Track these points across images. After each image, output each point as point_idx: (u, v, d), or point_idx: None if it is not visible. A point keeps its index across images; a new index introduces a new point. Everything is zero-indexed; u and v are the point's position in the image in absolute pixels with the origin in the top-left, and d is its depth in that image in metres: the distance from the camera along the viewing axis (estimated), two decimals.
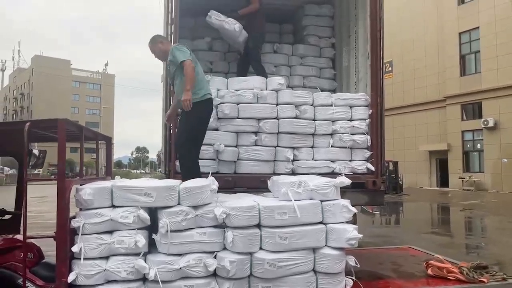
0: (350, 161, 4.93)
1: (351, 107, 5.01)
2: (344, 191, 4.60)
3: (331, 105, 4.95)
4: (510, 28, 21.64)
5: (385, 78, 20.02)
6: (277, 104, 4.84)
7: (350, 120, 4.98)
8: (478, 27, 23.32)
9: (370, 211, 16.30)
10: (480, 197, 19.59)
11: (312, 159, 4.88)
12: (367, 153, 4.94)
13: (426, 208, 16.51)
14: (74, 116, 70.95)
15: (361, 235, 2.97)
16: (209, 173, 3.65)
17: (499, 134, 22.32)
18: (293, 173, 4.76)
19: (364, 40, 5.24)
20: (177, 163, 4.52)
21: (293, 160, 4.84)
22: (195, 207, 2.92)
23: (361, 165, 4.89)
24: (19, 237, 3.19)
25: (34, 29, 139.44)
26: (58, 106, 66.39)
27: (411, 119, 28.37)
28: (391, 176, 23.17)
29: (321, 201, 3.07)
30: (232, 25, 5.28)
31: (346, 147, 4.89)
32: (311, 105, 4.94)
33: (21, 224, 3.68)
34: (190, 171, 3.76)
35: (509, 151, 21.76)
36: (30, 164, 3.87)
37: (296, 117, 4.82)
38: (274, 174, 4.64)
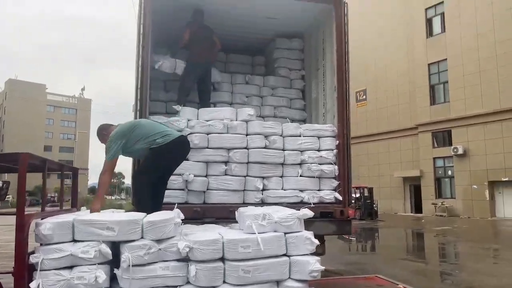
0: (318, 190, 5.03)
1: (319, 137, 5.16)
2: (312, 221, 4.68)
3: (300, 136, 5.08)
4: (476, 60, 22.71)
5: (359, 106, 20.78)
6: (247, 134, 4.93)
7: (318, 150, 5.11)
8: (446, 59, 24.37)
9: (347, 237, 16.43)
10: (452, 223, 19.98)
11: (282, 189, 4.96)
12: (335, 183, 5.06)
13: (400, 234, 16.70)
14: (48, 140, 69.46)
15: (323, 267, 3.01)
16: (175, 204, 3.65)
17: (468, 161, 23.03)
18: (263, 202, 4.81)
19: (331, 73, 5.44)
20: None
21: (263, 190, 4.90)
22: (159, 241, 2.91)
23: (329, 194, 4.99)
24: None
25: (10, 52, 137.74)
26: (31, 131, 64.89)
27: (385, 146, 29.01)
28: (366, 202, 23.46)
29: (285, 233, 3.11)
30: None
31: (315, 177, 4.99)
32: (280, 135, 5.06)
33: None
34: (140, 206, 3.64)
35: (479, 178, 22.42)
36: None
37: (265, 147, 4.92)
38: (244, 204, 4.68)
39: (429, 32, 25.60)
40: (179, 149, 3.83)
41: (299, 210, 4.59)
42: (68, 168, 3.77)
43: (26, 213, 2.63)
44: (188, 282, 2.89)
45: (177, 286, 2.86)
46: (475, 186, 22.51)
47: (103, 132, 3.80)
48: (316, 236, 4.73)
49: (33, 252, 2.74)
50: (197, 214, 4.50)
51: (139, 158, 4.07)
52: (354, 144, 27.24)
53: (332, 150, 5.10)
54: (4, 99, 66.64)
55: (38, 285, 2.62)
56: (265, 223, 3.07)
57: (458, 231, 16.97)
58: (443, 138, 24.90)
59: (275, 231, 3.10)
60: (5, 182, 3.84)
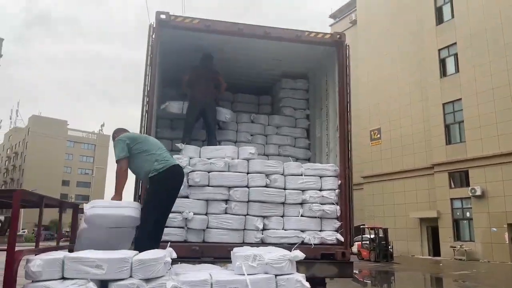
0: (320, 231, 4.96)
1: (321, 177, 5.14)
2: (313, 262, 4.61)
3: (301, 175, 5.07)
4: (491, 100, 22.57)
5: (373, 144, 20.67)
6: (248, 173, 4.95)
7: (320, 190, 5.08)
8: (460, 99, 24.28)
9: (361, 279, 15.90)
10: (471, 267, 19.16)
11: (282, 229, 4.91)
12: (337, 224, 4.98)
13: (417, 278, 16.04)
14: (66, 175, 70.54)
15: None
16: (174, 242, 3.64)
17: (487, 203, 22.36)
18: (263, 242, 4.75)
19: (334, 114, 5.49)
20: None
21: (263, 229, 4.85)
22: (147, 280, 2.88)
23: (331, 235, 4.91)
24: None
25: (35, 89, 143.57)
26: (51, 165, 66.20)
27: (401, 185, 28.49)
28: (381, 243, 22.79)
29: (276, 275, 3.05)
30: None
31: (316, 217, 4.93)
32: (282, 174, 5.06)
33: None
34: (142, 242, 3.63)
35: (498, 220, 21.67)
36: None
37: (266, 186, 4.92)
38: (244, 243, 4.64)
39: (443, 72, 25.70)
40: (174, 177, 3.82)
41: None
42: (68, 205, 3.83)
43: (16, 249, 2.66)
44: None
45: None
46: (494, 229, 21.71)
47: (115, 134, 4.03)
48: (316, 279, 4.68)
49: None
50: (196, 253, 4.48)
51: (139, 178, 4.11)
52: (368, 183, 27.05)
53: (334, 190, 5.07)
54: (27, 134, 68.59)
55: None
56: (256, 264, 3.03)
57: (477, 276, 16.24)
58: (460, 178, 24.36)
59: (266, 273, 3.05)
60: (6, 217, 3.90)
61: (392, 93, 29.63)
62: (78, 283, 2.77)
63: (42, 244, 2.74)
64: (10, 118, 68.57)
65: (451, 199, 24.54)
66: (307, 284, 3.03)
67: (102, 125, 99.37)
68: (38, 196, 3.15)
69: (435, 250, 25.74)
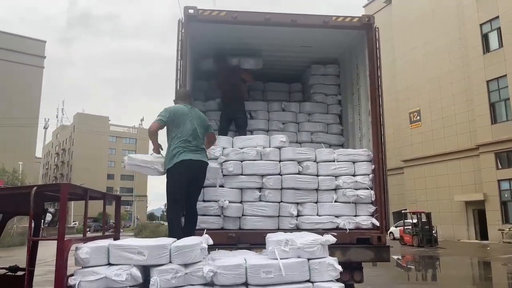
0: (354, 216, 4.97)
1: (354, 162, 5.13)
2: (349, 247, 4.65)
3: (334, 161, 5.08)
4: None
5: (413, 127, 20.22)
6: (280, 161, 5.02)
7: (353, 175, 5.07)
8: (505, 75, 23.06)
9: (404, 265, 15.68)
10: None
11: (317, 215, 4.95)
12: (372, 208, 4.97)
13: (463, 263, 15.58)
14: (110, 169, 73.47)
15: None
16: (203, 229, 3.80)
17: None
18: (298, 228, 4.83)
19: (365, 98, 5.44)
20: (182, 219, 4.71)
21: (297, 216, 4.92)
22: (186, 265, 3.05)
23: (365, 220, 4.91)
24: None
25: (78, 87, 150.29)
26: (95, 160, 69.15)
27: (444, 168, 27.57)
28: (424, 228, 22.27)
29: (308, 259, 3.13)
30: None
31: (350, 202, 4.95)
32: (314, 161, 5.09)
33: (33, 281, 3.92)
34: (169, 227, 4.09)
35: None
36: (46, 222, 4.16)
37: (299, 173, 4.97)
38: (279, 229, 4.73)
39: (486, 48, 24.45)
40: (186, 170, 4.05)
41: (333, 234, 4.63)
42: (111, 196, 4.07)
43: (66, 238, 2.89)
44: None
45: None
46: None
47: (175, 98, 4.56)
48: (353, 263, 4.72)
49: (72, 275, 2.99)
50: (232, 240, 4.62)
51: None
52: (409, 167, 26.45)
53: (368, 175, 5.05)
54: (73, 131, 71.86)
55: None
56: (288, 248, 3.12)
57: None
58: (508, 158, 23.26)
59: (298, 257, 3.14)
60: (57, 210, 4.19)
61: (432, 73, 28.56)
62: (123, 268, 2.98)
63: (91, 235, 2.98)
64: (57, 117, 71.93)
65: (499, 181, 23.50)
66: (339, 267, 3.09)
67: (142, 120, 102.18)
68: (83, 189, 3.38)
69: (482, 233, 24.85)
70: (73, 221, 47.89)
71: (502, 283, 11.08)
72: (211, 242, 3.41)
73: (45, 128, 35.62)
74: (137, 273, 2.96)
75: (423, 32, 29.50)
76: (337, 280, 4.66)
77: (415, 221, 22.76)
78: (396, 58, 32.59)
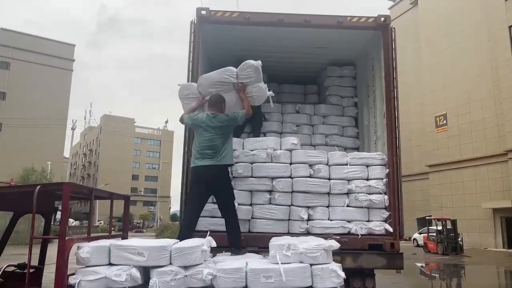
0: (367, 221, 4.83)
1: (367, 166, 4.99)
2: (360, 253, 4.53)
3: (346, 164, 4.96)
4: None
5: (439, 131, 19.71)
6: (291, 163, 4.94)
7: (367, 179, 4.94)
8: None
9: (428, 273, 15.24)
10: None
11: (328, 219, 4.84)
12: (385, 214, 4.82)
13: (489, 272, 15.00)
14: (135, 170, 74.79)
15: None
16: (207, 231, 3.76)
17: None
18: (308, 232, 4.74)
19: (380, 100, 5.29)
20: None
21: (308, 220, 4.82)
22: (186, 267, 3.02)
23: (378, 226, 4.77)
24: None
25: (106, 89, 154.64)
26: (121, 161, 70.55)
27: (471, 174, 26.72)
28: (450, 235, 21.61)
29: (311, 264, 3.04)
30: None
31: (363, 207, 4.81)
32: (326, 164, 4.98)
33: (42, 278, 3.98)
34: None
35: None
36: (57, 220, 4.21)
37: (310, 176, 4.88)
38: (289, 233, 4.66)
39: None
40: (197, 176, 4.30)
41: (344, 240, 4.52)
42: (119, 196, 4.08)
43: (67, 238, 2.90)
44: None
45: None
46: None
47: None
48: (365, 270, 4.59)
49: (73, 274, 3.00)
50: (241, 243, 4.56)
51: None
52: (434, 172, 25.79)
53: (382, 179, 4.89)
54: (100, 132, 73.57)
55: None
56: (290, 253, 3.04)
57: None
58: None
59: (301, 262, 3.05)
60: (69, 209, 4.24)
61: (459, 76, 27.76)
62: (123, 269, 2.98)
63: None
64: (85, 118, 73.90)
65: None
66: (342, 274, 2.99)
67: (166, 122, 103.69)
68: (88, 189, 3.40)
69: (510, 242, 23.91)
70: (98, 221, 48.93)
71: None
72: (214, 244, 3.37)
73: (73, 129, 36.53)
74: (136, 274, 2.94)
75: (450, 34, 28.74)
76: (349, 287, 4.59)
77: (439, 228, 22.14)
78: (422, 60, 31.87)
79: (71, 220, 45.93)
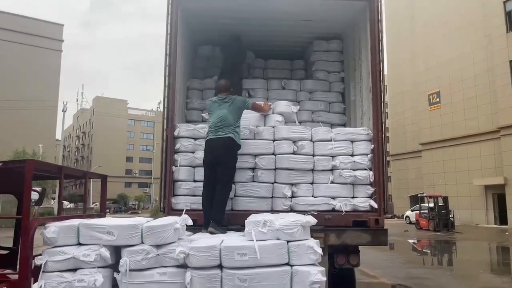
0: (352, 198, 4.74)
1: (352, 141, 4.87)
2: (344, 230, 4.45)
3: (331, 140, 4.83)
4: None
5: (432, 109, 19.78)
6: (274, 140, 4.80)
7: (352, 155, 4.82)
8: None
9: (420, 249, 15.40)
10: None
11: (312, 196, 4.74)
12: (370, 190, 4.73)
13: (480, 248, 15.17)
14: (129, 152, 74.54)
15: (324, 278, 2.79)
16: (183, 210, 3.64)
17: None
18: (292, 210, 4.65)
19: (366, 74, 5.13)
20: (173, 199, 4.59)
21: (292, 197, 4.72)
22: (158, 246, 2.91)
23: (363, 202, 4.68)
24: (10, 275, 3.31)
25: (99, 70, 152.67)
26: (115, 143, 70.21)
27: (463, 151, 26.83)
28: (441, 212, 21.82)
29: (288, 241, 2.94)
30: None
31: (347, 183, 4.71)
32: (310, 140, 4.85)
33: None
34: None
35: None
36: (33, 201, 4.08)
37: (293, 153, 4.75)
38: (272, 211, 4.56)
39: (510, 27, 23.35)
40: (207, 149, 4.50)
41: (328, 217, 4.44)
42: (94, 175, 3.95)
43: (32, 218, 2.77)
44: None
45: None
46: None
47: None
48: (349, 246, 4.52)
49: (39, 255, 2.89)
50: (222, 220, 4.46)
51: None
52: (427, 150, 25.96)
53: (367, 154, 4.77)
54: (92, 114, 72.89)
55: (41, 286, 2.74)
56: (266, 230, 2.94)
57: None
58: None
59: (278, 239, 2.95)
60: (43, 189, 4.11)
61: (453, 54, 27.55)
62: (92, 249, 2.87)
63: (112, 216, 2.91)
64: (77, 100, 72.96)
65: None
66: (319, 250, 2.90)
67: (159, 103, 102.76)
68: (56, 167, 3.26)
69: (502, 218, 24.23)
70: (93, 203, 48.96)
71: None
72: (190, 222, 3.27)
73: (64, 111, 36.08)
74: (106, 253, 2.84)
75: (444, 11, 28.38)
76: (333, 263, 4.54)
77: (431, 205, 22.32)
78: (415, 38, 31.55)
79: (65, 202, 45.85)
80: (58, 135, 51.17)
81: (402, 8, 35.20)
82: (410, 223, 26.81)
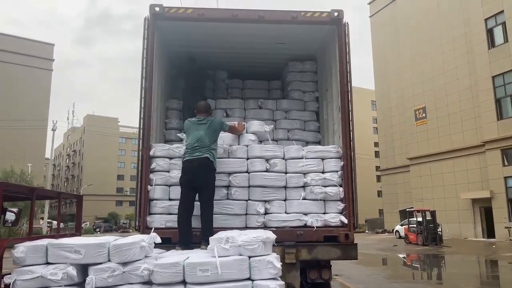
0: (323, 213, 4.89)
1: (323, 159, 5.04)
2: (315, 245, 4.59)
3: (302, 158, 5.01)
4: None
5: (418, 124, 20.19)
6: (247, 158, 4.96)
7: (322, 172, 4.99)
8: (511, 70, 22.61)
9: (409, 263, 15.47)
10: None
11: (285, 212, 4.88)
12: (341, 205, 4.88)
13: (467, 261, 15.30)
14: (120, 170, 74.07)
15: None
16: (152, 228, 3.76)
17: None
18: (265, 226, 4.77)
19: (336, 94, 5.34)
20: (148, 218, 4.70)
21: (266, 214, 4.86)
22: (124, 264, 3.02)
23: (334, 217, 4.83)
24: None
25: (91, 88, 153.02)
26: (106, 161, 69.82)
27: (450, 166, 27.18)
28: (429, 226, 21.98)
29: (249, 257, 3.07)
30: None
31: (318, 200, 4.87)
32: (282, 158, 5.02)
33: None
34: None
35: None
36: (9, 221, 4.16)
37: (266, 171, 4.91)
38: (246, 227, 4.68)
39: (491, 43, 24.01)
40: (185, 170, 4.64)
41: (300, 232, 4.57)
42: (68, 196, 4.05)
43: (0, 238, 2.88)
44: None
45: None
46: None
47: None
48: (321, 261, 4.64)
49: (9, 274, 2.98)
50: (197, 238, 4.56)
51: None
52: (415, 165, 26.19)
53: (337, 171, 4.95)
54: (83, 133, 72.64)
55: None
56: (228, 246, 3.07)
57: None
58: None
59: (240, 255, 3.08)
60: (19, 210, 4.20)
61: (437, 70, 28.18)
62: (60, 267, 2.97)
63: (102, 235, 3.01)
64: (67, 119, 72.82)
65: (505, 178, 23.08)
66: (278, 265, 3.03)
67: None
68: (28, 189, 3.37)
69: (489, 231, 24.44)
70: (83, 222, 48.43)
71: (509, 280, 10.82)
72: (158, 240, 3.39)
73: (53, 130, 35.94)
74: (73, 272, 2.94)
75: (428, 27, 29.13)
76: (306, 278, 4.65)
77: (420, 219, 22.49)
78: (401, 54, 32.23)
79: (54, 222, 45.45)
80: (48, 154, 50.95)
81: (386, 26, 36.05)
82: (400, 237, 26.92)
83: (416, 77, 30.02)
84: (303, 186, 4.95)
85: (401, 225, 27.96)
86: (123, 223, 63.70)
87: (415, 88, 30.16)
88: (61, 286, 2.92)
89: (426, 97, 28.99)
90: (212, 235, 4.23)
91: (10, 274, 2.97)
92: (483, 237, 24.94)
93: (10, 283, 2.89)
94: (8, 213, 4.09)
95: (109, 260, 3.03)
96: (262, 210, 4.82)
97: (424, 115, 29.20)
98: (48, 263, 3.03)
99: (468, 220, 25.95)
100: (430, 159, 28.44)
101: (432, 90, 28.49)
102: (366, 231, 41.31)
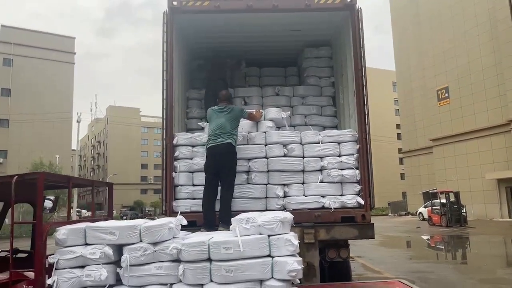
0: (340, 195, 5.06)
1: (339, 143, 5.20)
2: (333, 225, 4.79)
3: (319, 142, 5.18)
4: None
5: (441, 104, 20.05)
6: (265, 144, 5.17)
7: (339, 155, 5.15)
8: None
9: (432, 245, 15.53)
10: None
11: (303, 195, 5.09)
12: (358, 187, 5.05)
13: (491, 242, 15.23)
14: (143, 159, 75.62)
15: (300, 267, 3.13)
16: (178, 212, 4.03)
17: None
18: (284, 209, 4.99)
19: (351, 79, 5.46)
20: (174, 203, 4.99)
21: (284, 197, 5.08)
22: (155, 244, 3.30)
23: (351, 199, 5.00)
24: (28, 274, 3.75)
25: (114, 79, 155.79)
26: (129, 151, 71.37)
27: (474, 146, 26.74)
28: (453, 207, 21.83)
29: (269, 235, 3.30)
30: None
31: (335, 182, 5.04)
32: (299, 143, 5.21)
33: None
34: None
35: None
36: (47, 209, 4.52)
37: (284, 156, 5.11)
38: (266, 210, 4.91)
39: None
40: (209, 156, 4.88)
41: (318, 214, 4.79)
42: (101, 184, 4.37)
43: (43, 222, 3.20)
44: (180, 281, 3.24)
45: (169, 284, 3.22)
46: None
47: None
48: (339, 241, 4.85)
49: (52, 254, 3.31)
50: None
51: None
52: (438, 146, 25.94)
53: (353, 154, 5.11)
54: (106, 123, 74.30)
55: (54, 281, 3.16)
56: (249, 226, 3.30)
57: None
58: None
59: (260, 234, 3.32)
60: (56, 197, 4.54)
61: (460, 48, 27.53)
62: (97, 247, 3.28)
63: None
64: (91, 110, 74.46)
65: None
66: (296, 242, 3.25)
67: None
68: (65, 177, 3.68)
69: None
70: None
71: None
72: (185, 222, 3.66)
73: (78, 122, 37.01)
74: (109, 251, 3.24)
75: (451, 6, 28.36)
76: (325, 257, 4.88)
77: (443, 201, 22.34)
78: (422, 34, 31.55)
79: (83, 211, 47.05)
80: (74, 145, 52.45)
81: (407, 5, 35.24)
82: (423, 219, 26.82)
83: (438, 56, 29.40)
84: (320, 170, 5.13)
85: (425, 207, 27.80)
86: (149, 211, 65.29)
87: (437, 68, 29.57)
88: (100, 264, 3.22)
89: (449, 77, 28.44)
90: (229, 218, 4.53)
91: (53, 254, 3.29)
92: (510, 218, 24.60)
93: (54, 262, 3.21)
94: (46, 201, 4.44)
95: (141, 241, 3.31)
96: (281, 194, 5.04)
97: (446, 95, 28.69)
98: (86, 244, 3.34)
99: (493, 200, 25.60)
100: (454, 140, 28.03)
101: (455, 69, 27.90)
102: (389, 214, 41.20)
